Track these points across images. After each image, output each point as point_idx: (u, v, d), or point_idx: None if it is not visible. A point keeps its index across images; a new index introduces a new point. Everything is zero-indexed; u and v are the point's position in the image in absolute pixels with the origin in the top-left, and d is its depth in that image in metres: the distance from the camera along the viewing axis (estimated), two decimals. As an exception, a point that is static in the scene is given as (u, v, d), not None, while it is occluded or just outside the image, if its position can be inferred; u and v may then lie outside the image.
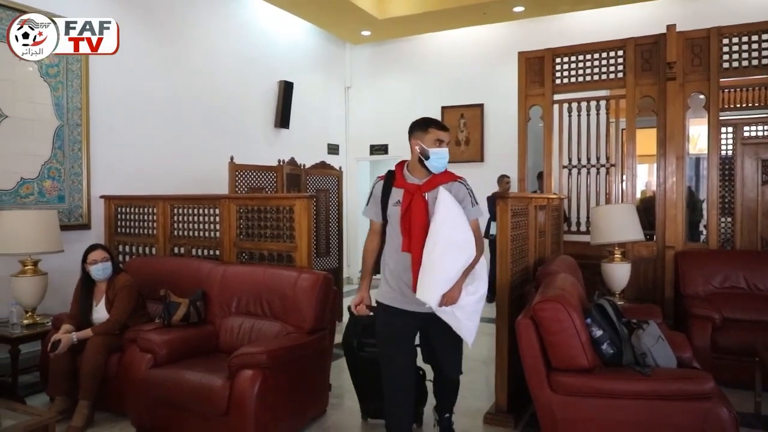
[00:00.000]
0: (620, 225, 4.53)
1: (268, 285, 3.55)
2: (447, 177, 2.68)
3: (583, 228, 5.42)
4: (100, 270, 3.59)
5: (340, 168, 6.75)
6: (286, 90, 7.34)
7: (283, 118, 7.34)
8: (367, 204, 2.81)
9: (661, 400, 2.53)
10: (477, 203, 2.68)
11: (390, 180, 2.71)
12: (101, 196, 4.82)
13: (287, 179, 5.86)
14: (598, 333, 2.81)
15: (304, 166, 6.26)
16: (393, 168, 2.77)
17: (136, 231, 4.65)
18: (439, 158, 2.60)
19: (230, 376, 2.94)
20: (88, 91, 4.85)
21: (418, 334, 2.82)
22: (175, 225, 4.41)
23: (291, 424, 3.24)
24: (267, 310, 3.53)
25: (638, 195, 5.90)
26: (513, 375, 3.42)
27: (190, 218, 4.34)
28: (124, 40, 5.25)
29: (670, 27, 4.92)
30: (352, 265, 8.92)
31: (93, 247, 3.67)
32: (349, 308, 2.90)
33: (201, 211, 4.28)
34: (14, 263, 3.98)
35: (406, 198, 2.60)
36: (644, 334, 2.85)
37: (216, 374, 3.00)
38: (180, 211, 4.39)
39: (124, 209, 4.73)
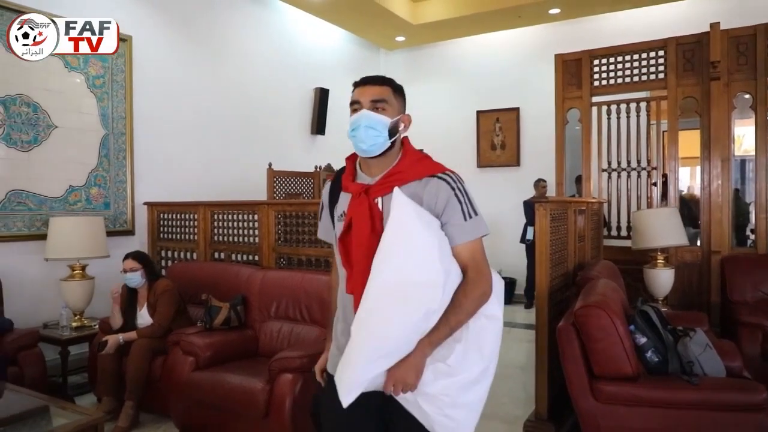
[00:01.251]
0: (663, 229, 4.42)
1: (306, 290, 3.59)
2: (418, 169, 1.59)
3: (623, 233, 5.31)
4: (128, 279, 3.70)
5: (376, 173, 6.78)
6: (321, 97, 7.41)
7: (319, 125, 7.42)
8: (320, 218, 1.82)
9: (710, 411, 2.46)
10: (476, 214, 1.56)
11: (339, 180, 1.70)
12: (144, 203, 4.96)
13: (324, 185, 5.92)
14: (642, 340, 2.75)
15: (339, 171, 6.32)
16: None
17: (178, 236, 4.77)
18: (351, 132, 1.57)
19: (270, 379, 2.98)
20: (131, 101, 5.01)
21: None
22: (216, 230, 4.50)
23: (329, 428, 3.26)
24: (305, 315, 3.57)
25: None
26: (553, 382, 3.37)
27: (230, 224, 4.42)
28: (164, 51, 5.44)
29: (714, 25, 4.78)
30: (387, 270, 8.92)
31: (125, 256, 3.77)
32: (312, 373, 1.87)
33: (240, 216, 4.36)
34: (63, 267, 4.13)
35: (350, 207, 1.59)
36: (691, 342, 2.76)
37: (256, 377, 3.04)
38: (220, 216, 4.48)
39: (166, 215, 4.86)
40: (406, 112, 1.66)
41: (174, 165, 5.46)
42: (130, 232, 4.99)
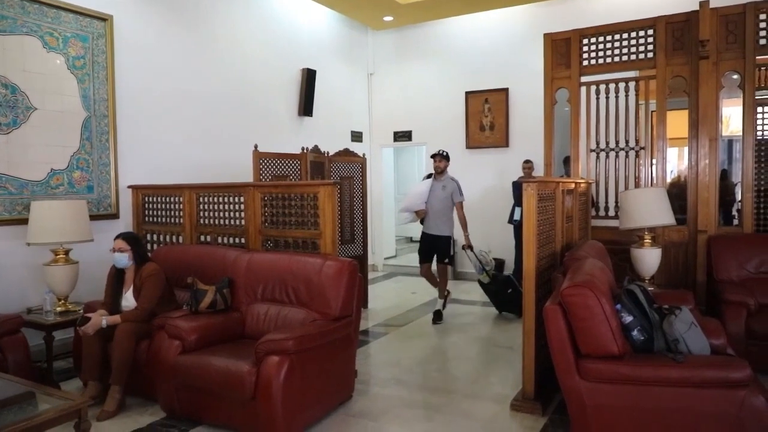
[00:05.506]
0: (650, 209, 4.42)
1: (293, 272, 3.56)
2: None
3: (611, 213, 5.32)
4: (117, 259, 3.68)
5: (364, 155, 6.72)
6: (309, 78, 7.32)
7: (306, 106, 7.33)
8: None
9: (694, 388, 2.47)
10: None
11: None
12: (129, 186, 4.89)
13: (311, 167, 5.86)
14: (629, 319, 2.75)
15: (327, 153, 6.25)
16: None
17: (163, 220, 4.71)
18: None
19: (257, 362, 2.96)
20: (114, 82, 4.90)
21: None
22: (201, 213, 4.45)
23: (317, 409, 3.26)
24: (292, 297, 3.54)
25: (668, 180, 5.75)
26: (540, 362, 3.38)
27: (216, 206, 4.37)
28: (149, 31, 5.31)
29: (704, 3, 4.75)
30: (377, 252, 8.93)
31: (117, 236, 3.76)
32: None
33: (226, 199, 4.31)
34: (46, 252, 4.07)
35: None
36: (676, 321, 2.78)
37: (243, 360, 3.03)
38: (206, 199, 4.42)
39: (151, 198, 4.79)
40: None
41: (159, 147, 5.37)
42: (115, 216, 4.92)
